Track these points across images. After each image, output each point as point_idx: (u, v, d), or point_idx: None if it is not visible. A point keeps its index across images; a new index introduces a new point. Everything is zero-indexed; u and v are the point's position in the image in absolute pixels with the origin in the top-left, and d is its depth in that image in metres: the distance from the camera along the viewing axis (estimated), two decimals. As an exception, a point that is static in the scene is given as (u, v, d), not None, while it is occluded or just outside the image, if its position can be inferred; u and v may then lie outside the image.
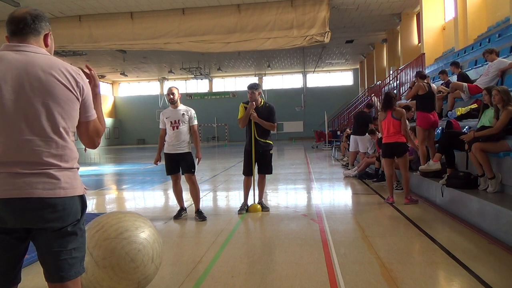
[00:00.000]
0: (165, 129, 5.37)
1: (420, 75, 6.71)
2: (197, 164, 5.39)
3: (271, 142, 5.76)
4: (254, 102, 5.55)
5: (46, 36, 1.84)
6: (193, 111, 5.45)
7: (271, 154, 5.79)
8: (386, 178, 6.23)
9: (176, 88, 5.45)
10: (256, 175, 5.85)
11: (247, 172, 5.78)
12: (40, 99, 1.67)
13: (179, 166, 5.35)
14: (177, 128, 5.26)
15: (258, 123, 5.58)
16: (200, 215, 5.37)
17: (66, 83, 1.72)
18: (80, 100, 1.78)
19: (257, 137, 5.66)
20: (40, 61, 1.71)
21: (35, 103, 1.67)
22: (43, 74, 1.68)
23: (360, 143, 9.91)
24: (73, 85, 1.75)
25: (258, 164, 5.79)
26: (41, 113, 1.67)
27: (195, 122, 5.44)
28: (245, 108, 5.64)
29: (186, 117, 5.34)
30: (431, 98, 6.42)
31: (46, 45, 1.84)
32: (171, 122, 5.27)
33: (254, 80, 38.52)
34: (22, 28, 1.75)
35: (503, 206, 4.02)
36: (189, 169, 5.31)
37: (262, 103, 5.70)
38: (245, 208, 5.77)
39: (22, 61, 1.69)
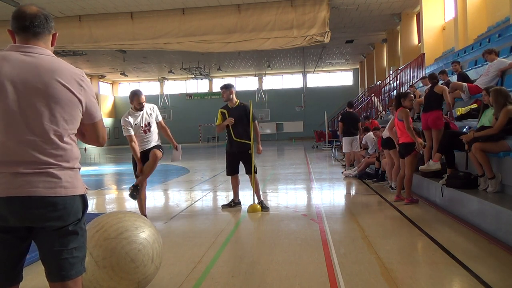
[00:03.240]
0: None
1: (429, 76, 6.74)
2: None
3: (248, 142, 5.79)
4: (232, 119, 5.71)
5: (54, 36, 1.88)
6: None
7: (250, 153, 5.81)
8: (398, 177, 6.28)
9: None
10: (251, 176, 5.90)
11: (228, 172, 5.98)
12: (42, 100, 1.69)
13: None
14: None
15: (235, 126, 5.73)
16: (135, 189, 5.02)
17: (69, 85, 1.74)
18: (83, 102, 1.80)
19: (234, 138, 5.77)
20: (45, 63, 1.73)
21: (37, 104, 1.68)
22: (46, 76, 1.70)
23: (354, 143, 10.01)
24: (76, 88, 1.77)
25: (243, 165, 5.90)
26: (42, 115, 1.69)
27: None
28: (222, 113, 5.89)
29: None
30: (429, 98, 6.39)
31: (52, 45, 1.88)
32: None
33: (254, 80, 38.55)
34: (37, 25, 1.76)
35: (503, 206, 4.02)
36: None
37: (237, 103, 5.84)
38: (231, 205, 5.97)
39: (27, 63, 1.70)
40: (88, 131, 1.89)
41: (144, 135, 5.01)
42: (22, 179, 1.64)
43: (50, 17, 1.84)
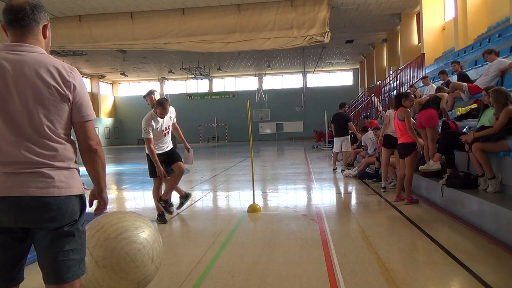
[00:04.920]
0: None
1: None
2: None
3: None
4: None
5: (45, 27, 1.79)
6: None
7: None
8: (398, 177, 6.29)
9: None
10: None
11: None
12: (28, 100, 1.65)
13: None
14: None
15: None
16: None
17: (52, 82, 1.68)
18: (70, 99, 1.73)
19: None
20: (30, 60, 1.68)
21: (23, 104, 1.65)
22: (29, 74, 1.65)
23: (344, 143, 10.33)
24: (61, 84, 1.69)
25: None
26: (27, 114, 1.65)
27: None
28: None
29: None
30: (429, 99, 6.42)
31: (45, 36, 1.80)
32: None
33: (254, 80, 38.56)
34: (21, 18, 1.70)
35: (503, 206, 4.02)
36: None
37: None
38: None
39: (12, 61, 1.66)
40: (78, 131, 1.78)
41: (163, 137, 5.19)
42: (14, 179, 1.62)
43: (40, 7, 1.75)
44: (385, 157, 6.99)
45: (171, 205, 5.32)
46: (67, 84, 1.71)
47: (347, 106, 11.34)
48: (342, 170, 10.11)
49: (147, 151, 5.14)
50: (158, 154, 5.10)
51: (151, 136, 4.99)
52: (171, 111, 5.27)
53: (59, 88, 1.69)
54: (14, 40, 1.73)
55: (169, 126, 5.24)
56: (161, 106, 4.99)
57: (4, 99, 1.64)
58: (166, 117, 5.17)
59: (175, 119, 5.38)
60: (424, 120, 6.07)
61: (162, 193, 5.34)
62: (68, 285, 1.70)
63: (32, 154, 1.65)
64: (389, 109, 8.19)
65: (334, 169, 10.49)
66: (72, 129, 1.81)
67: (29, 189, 1.62)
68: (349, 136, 10.35)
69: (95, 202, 1.99)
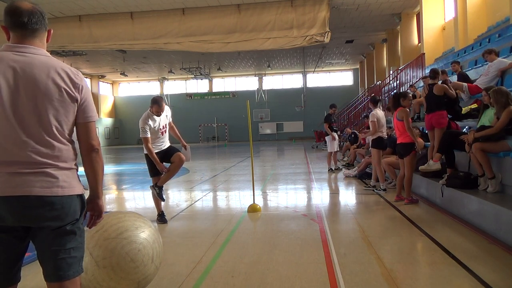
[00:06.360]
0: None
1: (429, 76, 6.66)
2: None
3: None
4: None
5: (49, 32, 1.86)
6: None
7: None
8: (398, 177, 6.29)
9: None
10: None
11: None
12: (36, 101, 1.67)
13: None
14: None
15: None
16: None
17: (62, 84, 1.72)
18: (78, 100, 1.78)
19: None
20: (38, 62, 1.71)
21: (31, 105, 1.67)
22: (39, 76, 1.68)
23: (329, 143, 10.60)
24: (70, 86, 1.74)
25: None
26: (37, 115, 1.68)
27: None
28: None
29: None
30: (429, 100, 6.35)
31: (47, 41, 1.86)
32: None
33: (254, 80, 38.53)
34: (35, 22, 1.74)
35: (503, 206, 4.02)
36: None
37: None
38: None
39: (20, 62, 1.69)
40: (80, 131, 1.82)
41: (161, 136, 5.23)
42: (19, 178, 1.64)
43: (45, 13, 1.82)
44: (376, 158, 7.01)
45: (163, 194, 5.35)
46: (76, 86, 1.77)
47: (335, 108, 11.19)
48: (329, 170, 10.28)
49: (145, 151, 5.18)
50: (155, 153, 5.14)
51: (149, 135, 5.06)
52: (166, 110, 5.29)
53: (69, 90, 1.74)
54: (19, 42, 1.75)
55: (166, 125, 5.27)
56: (156, 104, 5.03)
57: (13, 99, 1.66)
58: (163, 116, 5.20)
59: (171, 118, 5.42)
60: (435, 121, 6.03)
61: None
62: (70, 282, 1.73)
63: (37, 154, 1.67)
64: (372, 110, 8.08)
65: (336, 168, 10.52)
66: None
67: (33, 189, 1.65)
68: (329, 136, 10.38)
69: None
